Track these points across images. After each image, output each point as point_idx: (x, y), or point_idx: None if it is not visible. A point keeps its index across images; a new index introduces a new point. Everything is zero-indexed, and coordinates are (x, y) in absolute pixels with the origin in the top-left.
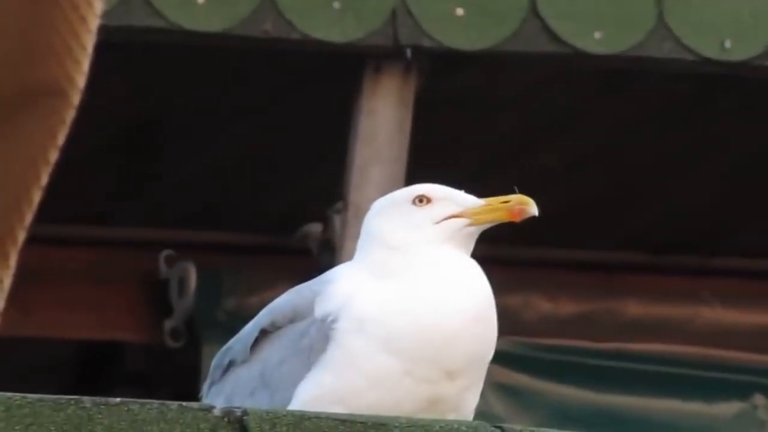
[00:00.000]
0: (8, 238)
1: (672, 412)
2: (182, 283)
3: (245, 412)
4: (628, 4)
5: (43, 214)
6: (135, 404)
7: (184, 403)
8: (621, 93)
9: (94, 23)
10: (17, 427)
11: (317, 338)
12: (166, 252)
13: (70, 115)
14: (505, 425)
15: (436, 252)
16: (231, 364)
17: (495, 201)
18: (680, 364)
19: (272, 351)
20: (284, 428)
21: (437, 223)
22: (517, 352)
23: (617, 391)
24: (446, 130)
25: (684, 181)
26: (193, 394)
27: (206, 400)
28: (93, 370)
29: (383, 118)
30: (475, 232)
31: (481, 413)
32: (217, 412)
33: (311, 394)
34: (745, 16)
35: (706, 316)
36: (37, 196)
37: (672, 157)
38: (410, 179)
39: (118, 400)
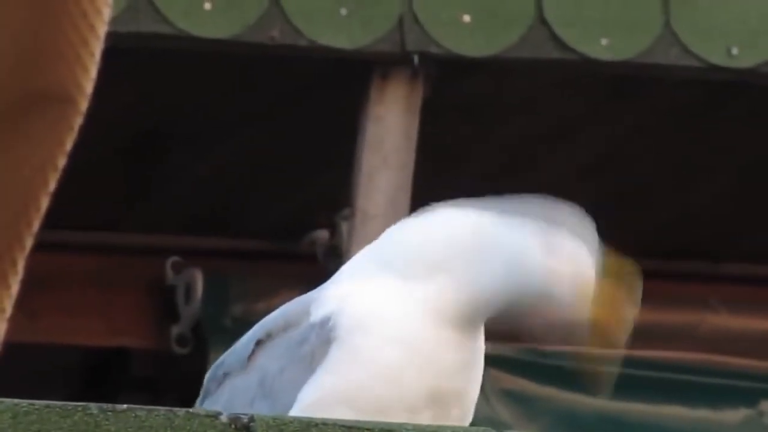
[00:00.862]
0: (16, 244)
1: (678, 419)
2: (189, 289)
3: (252, 419)
4: (634, 10)
5: (49, 219)
6: (142, 411)
7: (191, 410)
8: (628, 99)
9: (102, 30)
10: None
11: (318, 343)
12: (173, 258)
13: (78, 121)
14: None
15: None
16: (226, 376)
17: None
18: (687, 370)
19: (271, 360)
20: None
21: None
22: (524, 358)
23: (623, 397)
24: (453, 137)
25: (691, 187)
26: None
27: None
28: (99, 375)
29: (390, 124)
30: None
31: (487, 419)
32: (224, 418)
33: (312, 397)
34: (753, 23)
35: (712, 323)
36: (45, 202)
37: (679, 163)
38: (417, 186)
39: (125, 406)
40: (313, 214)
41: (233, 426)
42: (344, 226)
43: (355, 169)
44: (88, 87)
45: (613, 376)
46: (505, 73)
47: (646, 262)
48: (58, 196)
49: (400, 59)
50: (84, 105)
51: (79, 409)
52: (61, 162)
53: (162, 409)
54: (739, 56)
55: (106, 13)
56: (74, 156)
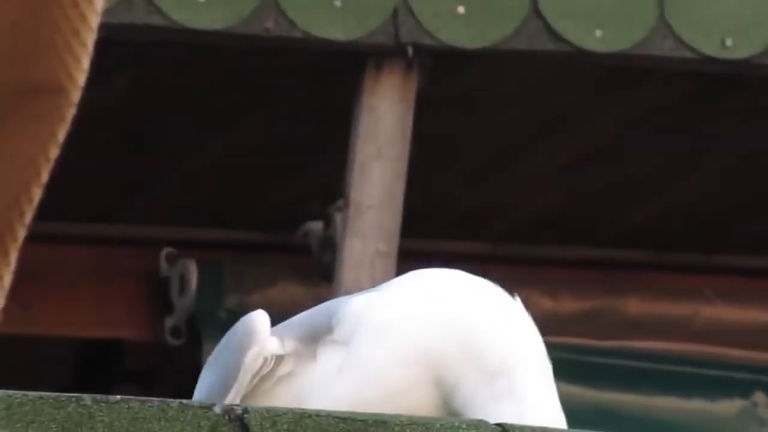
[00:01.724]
0: (8, 236)
1: (672, 410)
2: (183, 280)
3: (246, 410)
4: (628, 2)
5: (42, 211)
6: (135, 402)
7: (184, 401)
8: (622, 91)
9: (95, 20)
10: (18, 425)
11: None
12: (167, 249)
13: (71, 112)
14: (506, 423)
15: None
16: None
17: None
18: (681, 361)
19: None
20: (285, 426)
21: None
22: None
23: (618, 388)
24: (447, 128)
25: (685, 178)
26: (194, 392)
27: None
28: (93, 367)
29: (384, 116)
30: None
31: None
32: (217, 410)
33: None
34: (747, 15)
35: (707, 314)
36: (37, 194)
37: (673, 155)
38: (411, 177)
39: (118, 397)
40: (307, 206)
41: (227, 417)
42: (338, 218)
43: (349, 161)
44: (81, 78)
45: None
46: (499, 65)
47: (640, 254)
48: (51, 188)
49: (395, 51)
50: (76, 96)
51: (73, 400)
52: (54, 153)
53: (155, 400)
54: (733, 48)
55: (99, 3)
56: (67, 147)
